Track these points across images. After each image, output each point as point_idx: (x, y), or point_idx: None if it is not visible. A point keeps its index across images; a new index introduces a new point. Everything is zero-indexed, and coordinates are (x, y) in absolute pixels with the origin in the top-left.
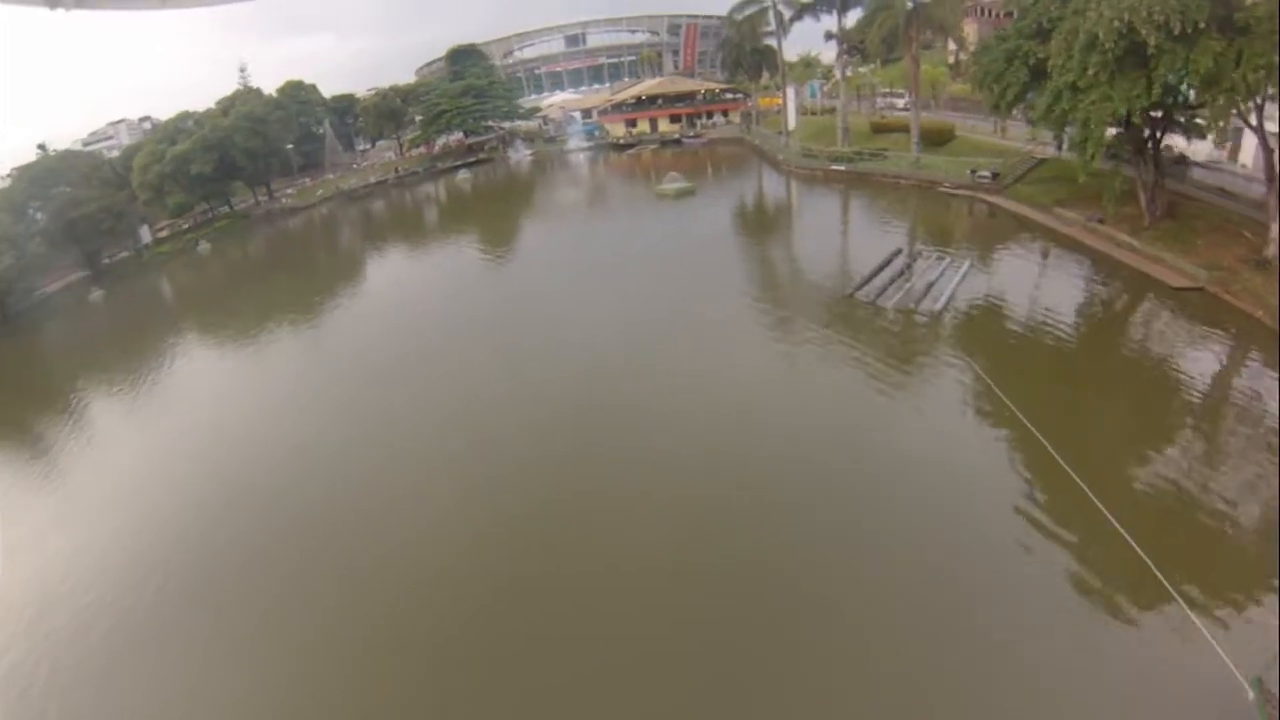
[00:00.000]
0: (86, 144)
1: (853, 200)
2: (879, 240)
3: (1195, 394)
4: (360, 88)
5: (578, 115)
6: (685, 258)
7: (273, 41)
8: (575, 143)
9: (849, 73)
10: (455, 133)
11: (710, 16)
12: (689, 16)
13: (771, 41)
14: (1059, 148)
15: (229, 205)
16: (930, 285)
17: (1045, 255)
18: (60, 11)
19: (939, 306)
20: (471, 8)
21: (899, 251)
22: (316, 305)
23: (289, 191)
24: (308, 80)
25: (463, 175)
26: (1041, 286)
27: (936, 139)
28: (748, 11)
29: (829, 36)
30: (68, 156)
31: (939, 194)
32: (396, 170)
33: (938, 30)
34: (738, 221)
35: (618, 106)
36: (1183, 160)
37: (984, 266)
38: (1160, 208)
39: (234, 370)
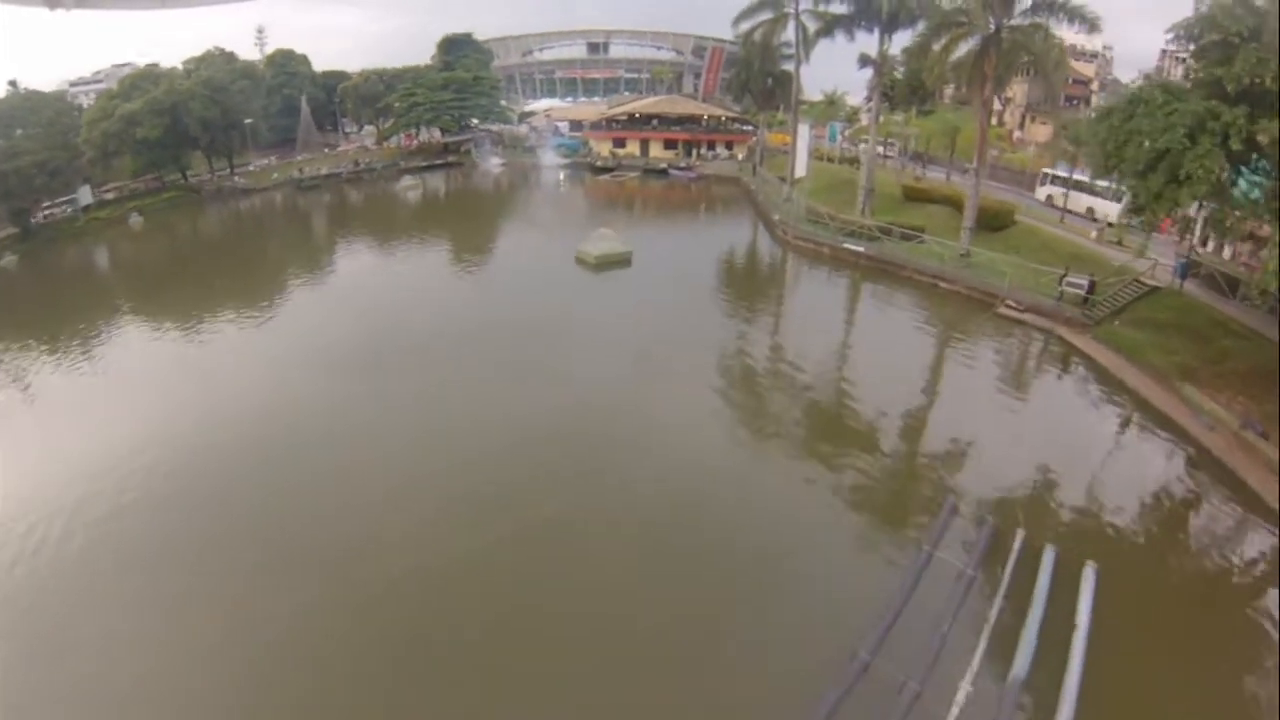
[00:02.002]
0: (74, 85)
1: (867, 310)
2: (899, 421)
3: None
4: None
5: (564, 126)
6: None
7: (309, 9)
8: (550, 158)
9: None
10: (434, 128)
11: (738, 42)
12: (716, 40)
13: (790, 66)
14: (1183, 275)
15: (183, 176)
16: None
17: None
18: (60, 12)
19: None
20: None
21: (951, 510)
22: (210, 319)
23: (250, 168)
24: (332, 54)
25: (406, 182)
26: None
27: (989, 222)
28: (760, 19)
29: (864, 62)
30: (32, 99)
31: (996, 317)
32: (356, 163)
33: (1019, 67)
34: (660, 340)
35: (607, 122)
36: None
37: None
38: None
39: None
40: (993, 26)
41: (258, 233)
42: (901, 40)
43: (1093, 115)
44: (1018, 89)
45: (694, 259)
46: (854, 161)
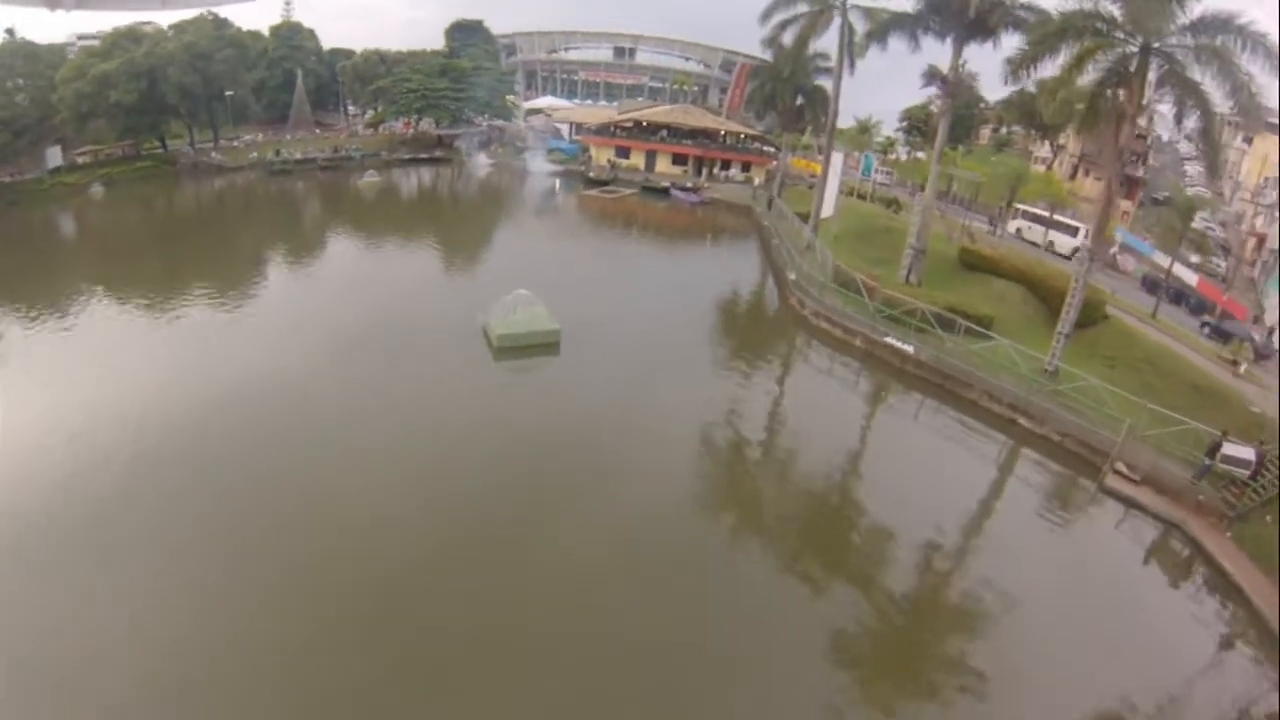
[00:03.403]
0: (82, 39)
1: (914, 461)
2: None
3: None
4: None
5: (564, 128)
6: None
7: None
8: (539, 163)
9: (920, 154)
10: (427, 118)
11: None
12: (746, 56)
13: (825, 81)
14: None
15: (162, 145)
16: None
17: None
18: (60, 12)
19: None
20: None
21: None
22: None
23: (235, 144)
24: (362, 36)
25: (368, 178)
26: None
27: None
28: (796, 11)
29: (932, 78)
30: (24, 49)
31: (1102, 490)
32: (335, 149)
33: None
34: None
35: (612, 128)
36: None
37: None
38: None
39: None
40: (1136, 46)
41: (196, 220)
42: (978, 56)
43: None
44: (1073, 137)
45: (661, 339)
46: (892, 203)
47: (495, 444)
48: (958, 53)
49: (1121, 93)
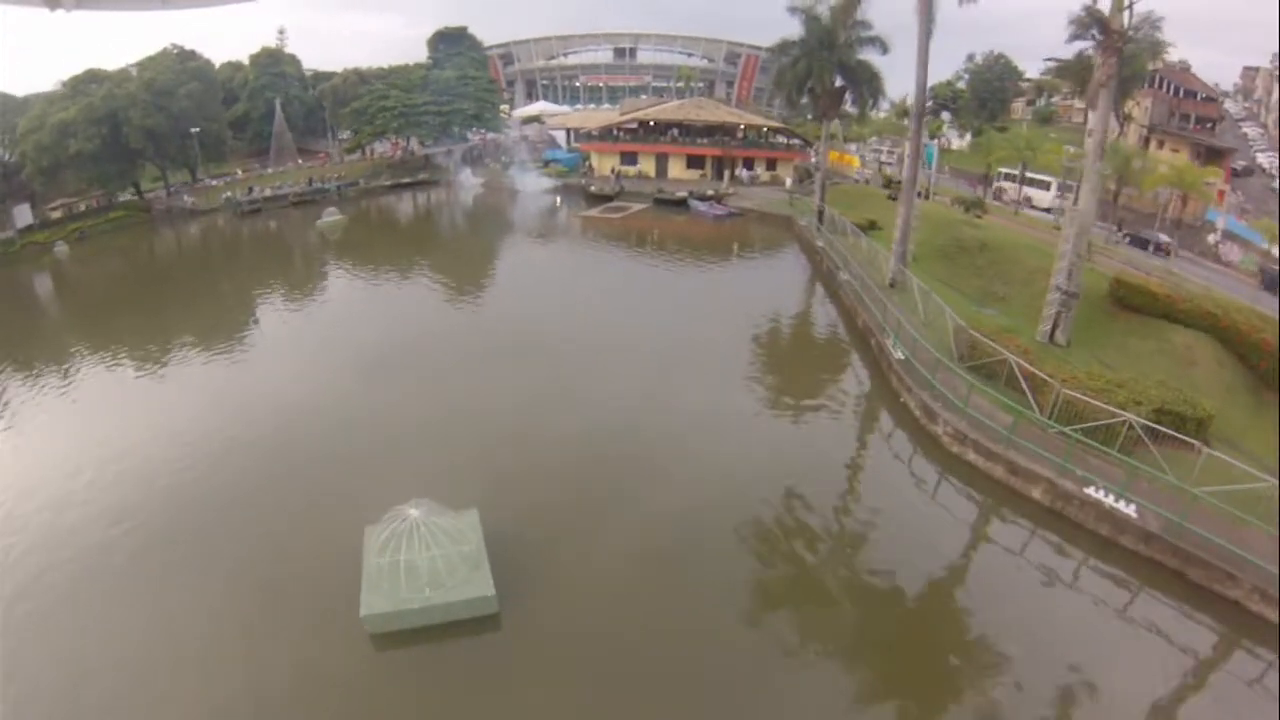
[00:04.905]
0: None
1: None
2: None
3: None
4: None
5: (560, 136)
6: None
7: (339, 14)
8: (533, 178)
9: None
10: (414, 137)
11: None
12: (751, 47)
13: (871, 53)
14: None
15: (137, 192)
16: None
17: None
18: (60, 12)
19: None
20: (543, 10)
21: None
22: None
23: (214, 182)
24: (361, 57)
25: (327, 217)
26: None
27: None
28: None
29: (1086, 27)
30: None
31: None
32: (310, 180)
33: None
34: None
35: (614, 131)
36: None
37: None
38: None
39: None
40: None
41: (150, 278)
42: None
43: None
44: (1142, 105)
45: (692, 556)
46: (973, 204)
47: None
48: None
49: None
